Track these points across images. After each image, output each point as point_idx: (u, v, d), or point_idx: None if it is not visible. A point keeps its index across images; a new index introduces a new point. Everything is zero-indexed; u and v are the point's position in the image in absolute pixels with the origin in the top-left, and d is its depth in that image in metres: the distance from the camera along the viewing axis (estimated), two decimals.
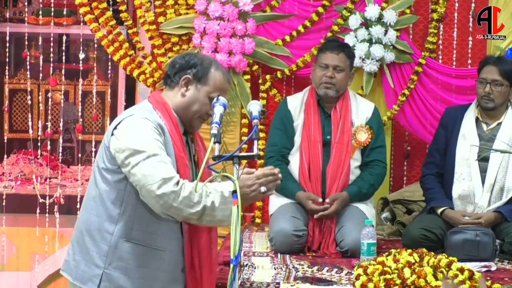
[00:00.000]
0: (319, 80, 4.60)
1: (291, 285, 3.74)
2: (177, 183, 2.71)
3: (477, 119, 4.63)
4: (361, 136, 4.64)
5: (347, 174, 4.56)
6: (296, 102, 4.73)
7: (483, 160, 4.54)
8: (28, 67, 5.74)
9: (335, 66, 4.58)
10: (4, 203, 5.48)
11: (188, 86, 2.93)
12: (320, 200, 4.49)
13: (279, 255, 4.35)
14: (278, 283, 3.73)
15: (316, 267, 4.09)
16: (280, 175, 2.81)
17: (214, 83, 2.92)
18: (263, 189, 2.74)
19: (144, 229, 2.86)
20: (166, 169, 2.73)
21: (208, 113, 2.92)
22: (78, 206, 5.45)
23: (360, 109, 4.69)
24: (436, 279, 3.51)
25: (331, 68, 4.57)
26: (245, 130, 5.30)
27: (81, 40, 5.61)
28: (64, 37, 5.89)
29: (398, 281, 3.50)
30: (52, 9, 5.73)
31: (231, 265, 2.53)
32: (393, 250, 3.80)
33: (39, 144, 5.97)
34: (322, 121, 4.63)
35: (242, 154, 2.71)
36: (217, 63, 3.00)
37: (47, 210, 5.47)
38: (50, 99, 6.01)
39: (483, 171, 4.52)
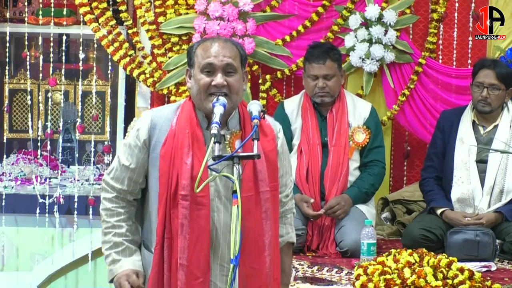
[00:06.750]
0: (313, 90, 4.60)
1: (291, 285, 3.74)
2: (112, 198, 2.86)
3: (473, 122, 4.63)
4: (359, 137, 4.64)
5: (346, 176, 4.56)
6: (293, 105, 4.73)
7: (481, 163, 4.54)
8: (28, 67, 5.73)
9: (324, 76, 4.57)
10: (4, 203, 5.47)
11: (190, 78, 2.89)
12: (312, 200, 4.51)
13: None
14: None
15: (316, 267, 4.09)
16: None
17: (200, 56, 2.81)
18: None
19: None
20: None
21: (210, 90, 2.79)
22: (77, 206, 5.45)
23: (357, 110, 4.69)
24: (436, 279, 3.51)
25: (321, 78, 4.57)
26: None
27: (81, 40, 5.59)
28: (64, 37, 5.87)
29: (398, 281, 3.50)
30: (52, 9, 5.72)
31: (231, 265, 2.52)
32: (393, 250, 3.80)
33: (39, 144, 5.95)
34: (319, 124, 4.64)
35: (242, 154, 2.69)
36: (204, 40, 2.90)
37: (47, 210, 5.46)
38: (50, 99, 6.00)
39: (482, 174, 4.52)
